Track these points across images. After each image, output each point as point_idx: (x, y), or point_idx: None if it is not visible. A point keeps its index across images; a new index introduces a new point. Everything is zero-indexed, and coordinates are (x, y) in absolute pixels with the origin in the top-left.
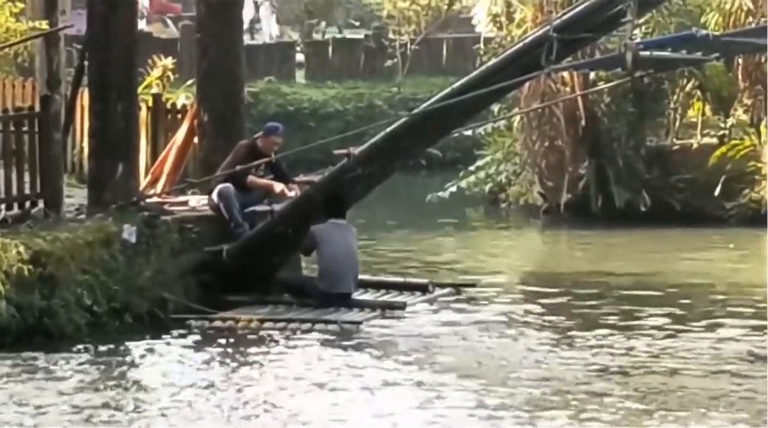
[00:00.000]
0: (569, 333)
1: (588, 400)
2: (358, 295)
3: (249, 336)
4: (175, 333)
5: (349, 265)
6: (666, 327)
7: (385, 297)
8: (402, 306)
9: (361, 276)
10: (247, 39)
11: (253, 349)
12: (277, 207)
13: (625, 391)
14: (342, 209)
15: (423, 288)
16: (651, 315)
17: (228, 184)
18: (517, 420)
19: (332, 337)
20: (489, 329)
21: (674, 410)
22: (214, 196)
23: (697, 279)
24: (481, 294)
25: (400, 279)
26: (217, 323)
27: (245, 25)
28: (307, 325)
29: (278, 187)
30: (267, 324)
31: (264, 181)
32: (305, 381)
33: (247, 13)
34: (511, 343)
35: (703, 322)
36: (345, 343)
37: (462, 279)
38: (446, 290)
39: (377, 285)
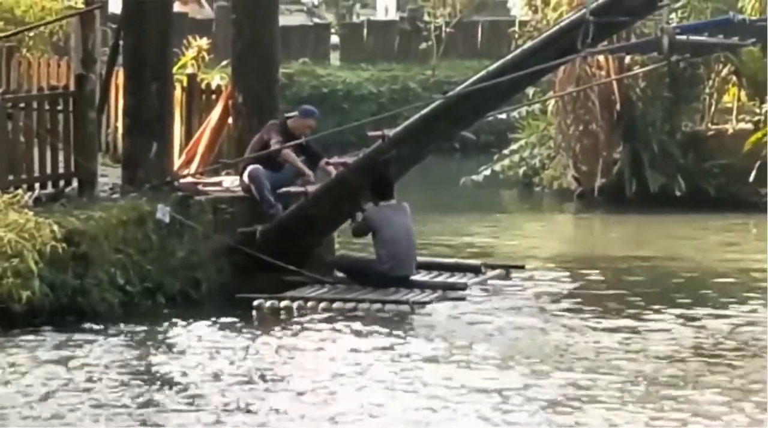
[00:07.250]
0: (619, 318)
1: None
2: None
3: (284, 318)
4: (210, 313)
5: (409, 247)
6: (710, 312)
7: (442, 279)
8: (463, 287)
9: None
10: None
11: (278, 329)
12: (311, 188)
13: (684, 374)
14: (390, 190)
15: (475, 270)
16: (691, 301)
17: (257, 166)
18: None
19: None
20: (547, 314)
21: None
22: (245, 177)
23: (732, 265)
24: (527, 277)
25: (452, 260)
26: (285, 303)
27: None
28: (377, 305)
29: (308, 172)
30: (336, 305)
31: (297, 161)
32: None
33: None
34: (568, 328)
35: (743, 308)
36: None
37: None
38: (496, 271)
39: (429, 267)
